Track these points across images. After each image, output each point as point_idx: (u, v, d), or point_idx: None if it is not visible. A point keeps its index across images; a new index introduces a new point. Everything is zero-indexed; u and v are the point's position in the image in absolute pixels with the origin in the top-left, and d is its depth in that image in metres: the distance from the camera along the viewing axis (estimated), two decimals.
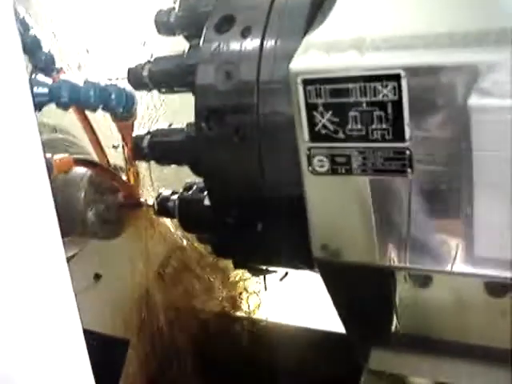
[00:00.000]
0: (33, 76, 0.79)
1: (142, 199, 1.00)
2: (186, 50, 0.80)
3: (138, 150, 0.85)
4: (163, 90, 0.85)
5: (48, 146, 1.04)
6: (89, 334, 1.12)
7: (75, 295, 1.14)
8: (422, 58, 0.59)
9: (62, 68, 0.92)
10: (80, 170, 0.96)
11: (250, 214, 0.75)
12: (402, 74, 0.58)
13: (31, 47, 0.88)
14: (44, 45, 0.89)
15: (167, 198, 0.88)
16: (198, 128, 0.73)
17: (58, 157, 0.85)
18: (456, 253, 0.65)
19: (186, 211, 0.86)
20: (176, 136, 0.83)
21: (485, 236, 0.63)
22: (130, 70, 0.85)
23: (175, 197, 0.88)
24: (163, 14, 0.85)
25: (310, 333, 1.26)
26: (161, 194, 0.90)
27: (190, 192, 0.86)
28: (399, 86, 0.58)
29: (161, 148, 0.85)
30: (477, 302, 0.85)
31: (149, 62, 0.84)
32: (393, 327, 0.94)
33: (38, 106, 0.79)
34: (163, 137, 0.85)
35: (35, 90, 0.77)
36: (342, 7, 0.69)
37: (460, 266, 0.65)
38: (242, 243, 0.80)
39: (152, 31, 0.88)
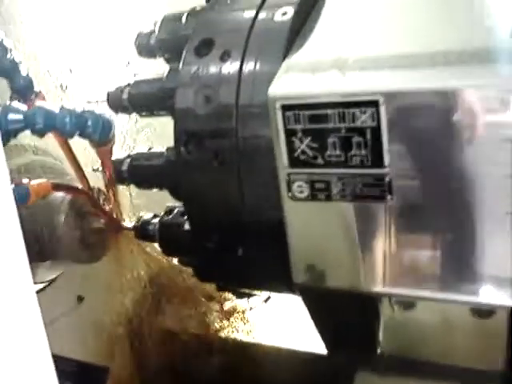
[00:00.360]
0: (8, 102, 0.78)
1: (123, 223, 0.99)
2: (166, 73, 0.80)
3: (118, 173, 0.85)
4: (143, 113, 0.84)
5: (26, 169, 1.03)
6: (68, 361, 1.12)
7: (58, 318, 1.14)
8: (401, 82, 0.58)
9: (40, 91, 0.91)
10: (60, 194, 0.95)
11: (230, 239, 0.75)
12: (381, 100, 0.58)
13: (9, 70, 0.87)
14: (22, 68, 0.88)
15: (148, 222, 0.87)
16: (177, 152, 0.73)
17: (35, 182, 0.84)
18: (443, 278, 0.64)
19: (166, 235, 0.85)
20: (156, 160, 0.82)
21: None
22: (109, 94, 0.84)
23: (156, 220, 0.87)
24: (144, 37, 0.85)
25: (293, 354, 1.25)
26: (141, 217, 0.88)
27: (171, 216, 0.85)
28: (377, 112, 0.58)
29: (140, 172, 0.84)
30: (462, 323, 0.84)
31: (128, 85, 0.83)
32: (378, 350, 0.93)
33: (13, 133, 0.78)
34: (143, 160, 0.84)
35: (10, 116, 0.76)
36: (322, 31, 0.69)
37: (446, 293, 0.65)
38: (223, 268, 0.79)
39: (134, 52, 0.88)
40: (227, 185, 0.70)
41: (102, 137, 0.85)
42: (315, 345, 1.18)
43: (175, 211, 0.85)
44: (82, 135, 0.84)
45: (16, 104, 0.79)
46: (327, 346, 0.85)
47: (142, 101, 0.82)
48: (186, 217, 0.81)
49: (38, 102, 0.84)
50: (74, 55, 1.25)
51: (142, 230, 0.88)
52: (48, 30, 1.20)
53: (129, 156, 0.85)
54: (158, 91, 0.80)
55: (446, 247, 0.63)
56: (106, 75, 1.23)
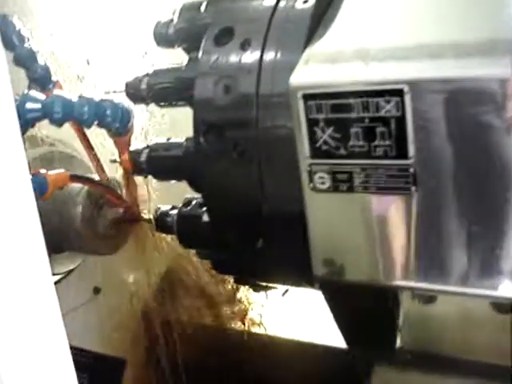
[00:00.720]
0: (26, 91, 0.77)
1: (141, 214, 0.98)
2: (185, 63, 0.79)
3: (136, 164, 0.84)
4: (161, 103, 0.83)
5: (45, 159, 1.02)
6: (84, 353, 1.12)
7: (74, 309, 1.14)
8: (427, 71, 0.57)
9: (58, 81, 0.90)
10: (77, 185, 0.94)
11: (250, 231, 0.74)
12: (406, 89, 0.56)
13: (26, 60, 0.87)
14: (39, 57, 0.87)
15: (166, 213, 0.86)
16: (196, 143, 0.72)
17: (53, 172, 0.83)
18: (466, 272, 0.63)
19: (184, 227, 0.84)
20: (174, 151, 0.81)
21: None
22: (127, 84, 0.83)
23: (174, 212, 0.86)
24: (162, 26, 0.84)
25: (310, 347, 1.24)
26: (159, 208, 0.87)
27: (189, 207, 0.84)
28: (402, 101, 0.57)
29: (159, 163, 0.83)
30: (483, 318, 0.83)
31: (147, 74, 0.82)
32: (397, 344, 0.92)
33: (31, 122, 0.77)
34: (161, 151, 0.83)
35: (28, 105, 0.75)
36: (345, 18, 0.68)
37: (470, 287, 0.63)
38: (242, 260, 0.78)
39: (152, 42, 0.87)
40: (247, 176, 0.69)
41: (120, 126, 0.84)
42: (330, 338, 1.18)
43: (193, 202, 0.84)
44: (100, 125, 0.83)
45: (34, 93, 0.78)
46: (346, 341, 0.84)
47: (160, 91, 0.81)
48: (204, 208, 0.81)
49: (56, 91, 0.82)
50: (90, 46, 1.25)
51: (161, 222, 0.87)
52: (65, 21, 1.20)
53: (147, 147, 0.84)
54: (177, 81, 0.79)
55: (471, 240, 0.61)
56: (123, 66, 1.23)
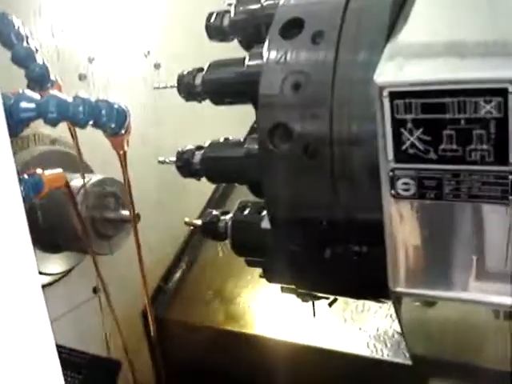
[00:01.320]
0: (21, 91, 0.75)
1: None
2: (247, 58, 0.73)
3: (188, 165, 0.78)
4: (217, 100, 0.77)
5: (43, 159, 1.01)
6: (80, 354, 1.12)
7: (73, 309, 1.15)
8: None
9: (56, 80, 0.89)
10: (76, 185, 0.96)
11: (319, 240, 0.68)
12: (510, 88, 0.50)
13: (25, 59, 0.86)
14: (38, 57, 0.87)
15: (217, 218, 0.80)
16: (261, 144, 0.66)
17: (49, 172, 0.83)
18: None
19: (240, 234, 0.78)
20: (234, 152, 0.75)
21: None
22: (180, 79, 0.78)
23: (227, 217, 0.80)
24: (216, 18, 0.78)
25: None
26: (210, 213, 0.81)
27: (245, 212, 0.78)
28: (505, 101, 0.51)
29: (216, 165, 0.77)
30: (484, 323, 0.77)
31: (201, 69, 0.77)
32: None
33: (25, 122, 0.75)
34: (219, 152, 0.77)
35: (22, 104, 0.73)
36: (429, 9, 0.62)
37: None
38: (303, 269, 0.73)
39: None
40: (319, 182, 0.64)
41: (116, 126, 0.81)
42: None
43: (249, 207, 0.78)
44: (95, 125, 0.80)
45: (29, 92, 0.76)
46: (412, 359, 0.78)
47: (218, 87, 0.76)
48: (262, 214, 0.75)
49: (53, 91, 0.81)
50: (93, 45, 1.25)
51: (210, 227, 0.82)
52: (67, 20, 1.21)
53: (201, 147, 0.78)
54: (237, 77, 0.73)
55: None
56: (126, 65, 1.24)
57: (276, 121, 0.65)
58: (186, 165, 0.78)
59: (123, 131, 0.84)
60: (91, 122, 0.80)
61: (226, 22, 0.77)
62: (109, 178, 1.10)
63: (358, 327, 1.30)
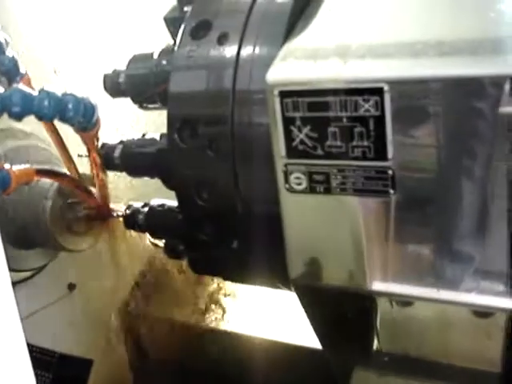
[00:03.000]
0: None
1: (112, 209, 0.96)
2: (158, 54, 0.76)
3: (110, 160, 0.81)
4: (139, 99, 0.80)
5: (14, 154, 1.00)
6: (49, 352, 1.11)
7: (47, 306, 1.11)
8: (407, 69, 0.55)
9: (26, 73, 0.87)
10: (47, 180, 0.92)
11: (225, 231, 0.71)
12: (386, 87, 0.54)
13: None
14: (8, 49, 0.85)
15: (138, 211, 0.83)
16: (170, 139, 0.69)
17: (17, 167, 0.81)
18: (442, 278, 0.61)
19: (155, 225, 0.81)
20: (148, 148, 0.78)
21: None
22: (105, 77, 0.80)
23: (146, 209, 0.83)
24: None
25: (287, 348, 1.23)
26: (131, 206, 0.84)
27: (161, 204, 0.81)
28: (382, 100, 0.55)
29: (132, 159, 0.80)
30: (461, 322, 0.81)
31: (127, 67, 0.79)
32: (374, 346, 0.90)
33: None
34: (135, 148, 0.80)
35: None
36: (325, 14, 0.66)
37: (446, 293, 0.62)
38: (216, 260, 0.76)
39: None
40: (222, 175, 0.67)
41: (84, 121, 0.81)
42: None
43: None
44: (62, 119, 0.80)
45: None
46: (322, 343, 0.82)
47: (137, 84, 0.78)
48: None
49: (19, 85, 0.79)
50: (67, 40, 1.23)
51: (131, 220, 0.84)
52: (42, 15, 1.19)
53: (121, 142, 0.81)
54: (152, 73, 0.76)
55: (449, 244, 0.59)
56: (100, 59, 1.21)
57: (183, 117, 0.68)
58: (107, 159, 0.81)
59: (92, 126, 0.84)
60: (58, 117, 0.80)
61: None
62: (84, 174, 1.08)
63: None
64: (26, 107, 0.75)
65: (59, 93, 0.78)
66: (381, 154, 0.57)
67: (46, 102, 0.76)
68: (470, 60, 0.53)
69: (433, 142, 0.55)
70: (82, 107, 0.79)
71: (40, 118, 0.79)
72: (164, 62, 0.74)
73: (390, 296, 0.71)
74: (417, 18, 0.62)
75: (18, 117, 0.76)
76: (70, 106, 0.78)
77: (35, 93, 0.77)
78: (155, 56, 0.76)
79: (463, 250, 0.59)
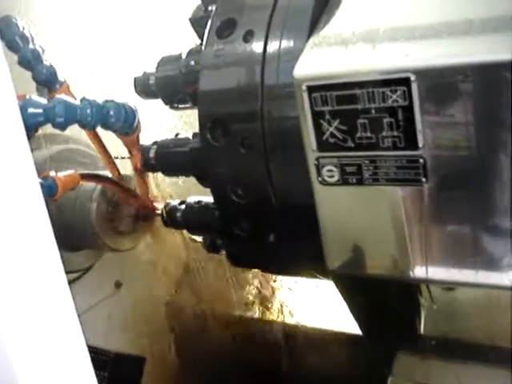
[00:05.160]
0: (27, 96, 0.75)
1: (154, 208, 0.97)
2: (185, 55, 0.77)
3: (145, 160, 0.83)
4: (169, 99, 0.81)
5: (57, 159, 1.02)
6: (104, 352, 1.13)
7: (96, 305, 1.14)
8: (432, 57, 0.54)
9: (65, 81, 0.88)
10: (91, 183, 0.94)
11: (261, 226, 0.72)
12: (412, 77, 0.54)
13: (31, 60, 0.85)
14: (45, 58, 0.86)
15: (175, 208, 0.85)
16: (202, 139, 0.70)
17: (63, 174, 0.82)
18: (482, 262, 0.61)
19: (193, 221, 0.83)
20: (182, 147, 0.80)
21: None
22: (136, 80, 0.82)
23: (182, 206, 0.85)
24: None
25: (330, 335, 1.22)
26: (168, 204, 0.86)
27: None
28: (409, 90, 0.54)
29: (167, 159, 0.82)
30: (506, 303, 0.80)
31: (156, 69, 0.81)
32: (420, 331, 0.91)
33: (33, 127, 0.76)
34: (169, 148, 0.82)
35: (29, 110, 0.74)
36: (349, 5, 0.65)
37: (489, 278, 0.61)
38: (255, 254, 0.77)
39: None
40: (255, 171, 0.68)
41: (125, 126, 0.82)
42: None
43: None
44: (104, 126, 0.81)
45: (35, 98, 0.77)
46: (364, 332, 0.83)
47: (167, 86, 0.80)
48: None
49: (59, 95, 0.80)
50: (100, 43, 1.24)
51: (169, 218, 0.86)
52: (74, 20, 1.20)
53: (155, 143, 0.83)
54: (181, 74, 0.77)
55: (486, 231, 0.59)
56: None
57: (214, 116, 0.69)
58: (143, 160, 0.83)
59: (133, 130, 0.85)
60: (100, 124, 0.81)
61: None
62: (125, 175, 1.06)
63: None
64: (69, 117, 0.77)
65: (100, 100, 0.80)
66: (411, 143, 0.57)
67: (88, 111, 0.78)
68: (496, 42, 0.52)
69: (464, 123, 0.55)
70: (123, 113, 0.81)
71: (83, 126, 0.81)
72: (192, 63, 0.75)
73: (429, 283, 0.71)
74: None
75: (62, 126, 0.78)
76: (112, 112, 0.80)
77: (77, 102, 0.79)
78: (183, 57, 0.77)
79: (504, 225, 0.58)
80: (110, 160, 0.92)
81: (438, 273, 0.64)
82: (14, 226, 0.46)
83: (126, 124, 0.82)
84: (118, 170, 0.93)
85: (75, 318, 0.52)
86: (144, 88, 0.82)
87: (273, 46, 0.67)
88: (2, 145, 0.46)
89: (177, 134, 0.83)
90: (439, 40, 0.55)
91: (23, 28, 0.86)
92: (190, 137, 0.81)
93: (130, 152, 0.88)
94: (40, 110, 0.75)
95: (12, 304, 0.46)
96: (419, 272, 0.64)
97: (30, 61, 0.85)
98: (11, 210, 0.46)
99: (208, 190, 0.76)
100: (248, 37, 0.68)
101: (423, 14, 0.60)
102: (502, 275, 0.61)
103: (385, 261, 0.65)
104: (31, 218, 0.49)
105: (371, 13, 0.63)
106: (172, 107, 0.81)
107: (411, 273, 0.64)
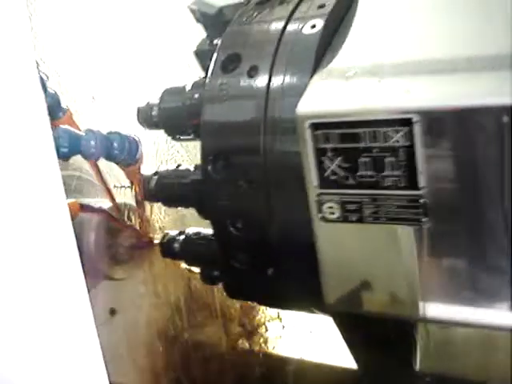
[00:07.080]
0: None
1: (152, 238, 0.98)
2: (189, 88, 0.77)
3: (146, 190, 0.83)
4: (171, 131, 0.82)
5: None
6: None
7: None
8: (436, 98, 0.55)
9: (68, 109, 0.88)
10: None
11: (259, 260, 0.72)
12: (414, 118, 0.55)
13: None
14: (49, 85, 0.86)
15: (174, 239, 0.85)
16: (203, 171, 0.71)
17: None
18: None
19: (191, 253, 0.83)
20: (183, 178, 0.80)
21: None
22: (139, 110, 0.83)
23: (182, 237, 0.85)
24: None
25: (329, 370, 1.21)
26: (167, 234, 0.86)
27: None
28: (411, 131, 0.55)
29: (168, 190, 0.82)
30: (504, 342, 0.80)
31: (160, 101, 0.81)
32: (416, 367, 0.90)
33: None
34: (170, 178, 0.82)
35: None
36: (352, 44, 0.66)
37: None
38: (252, 287, 0.77)
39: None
40: (256, 205, 0.68)
41: (128, 157, 0.83)
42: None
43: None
44: (107, 157, 0.82)
45: None
46: (360, 367, 0.82)
47: (170, 118, 0.80)
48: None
49: (63, 126, 0.81)
50: (103, 66, 1.24)
51: (167, 248, 0.86)
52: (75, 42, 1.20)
53: (156, 173, 0.83)
54: (184, 106, 0.78)
55: (488, 271, 0.59)
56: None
57: (216, 149, 0.70)
58: (145, 189, 0.83)
59: (135, 162, 0.86)
60: (103, 155, 0.82)
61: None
62: (123, 203, 1.07)
63: None
64: (73, 148, 0.77)
65: (104, 131, 0.80)
66: (412, 184, 0.57)
67: (92, 142, 0.78)
68: (498, 85, 0.53)
69: (464, 168, 0.56)
70: (126, 145, 0.82)
71: (86, 157, 0.81)
72: (196, 96, 0.76)
73: (428, 321, 0.71)
74: (447, 35, 0.62)
75: (66, 157, 0.78)
76: (116, 144, 0.81)
77: (81, 133, 0.79)
78: (187, 89, 0.78)
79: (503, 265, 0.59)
80: (107, 189, 0.92)
81: (437, 312, 0.64)
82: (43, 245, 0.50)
83: (129, 156, 0.82)
84: (114, 200, 0.93)
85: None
86: (147, 119, 0.82)
87: (277, 81, 0.67)
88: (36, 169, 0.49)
89: (178, 165, 0.83)
90: (443, 77, 0.56)
91: None
92: (191, 168, 0.81)
93: (130, 182, 0.88)
94: None
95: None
96: (419, 310, 0.64)
97: None
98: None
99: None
100: (252, 72, 0.69)
101: (430, 48, 0.61)
102: (504, 315, 0.61)
103: (384, 298, 0.65)
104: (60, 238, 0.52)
105: (376, 48, 0.64)
106: (174, 138, 0.81)
107: (410, 311, 0.64)
